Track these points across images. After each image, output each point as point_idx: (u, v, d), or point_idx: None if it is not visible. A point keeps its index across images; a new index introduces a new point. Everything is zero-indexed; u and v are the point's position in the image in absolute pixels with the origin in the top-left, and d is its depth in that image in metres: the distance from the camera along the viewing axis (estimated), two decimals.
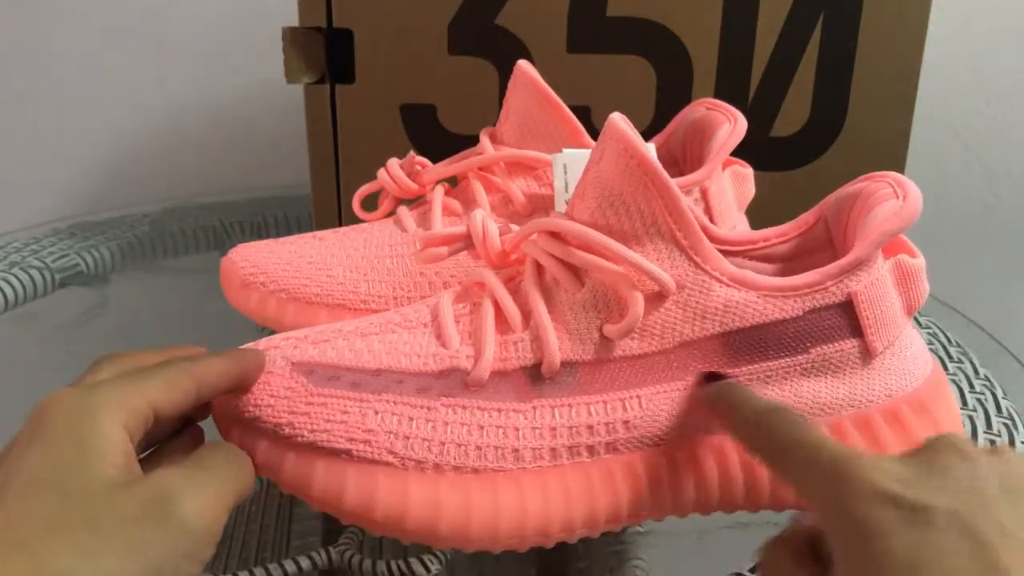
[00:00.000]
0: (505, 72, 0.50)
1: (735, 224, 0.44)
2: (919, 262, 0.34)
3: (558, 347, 0.32)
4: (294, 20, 0.54)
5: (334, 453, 0.31)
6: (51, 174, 0.85)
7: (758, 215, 0.45)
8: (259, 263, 0.44)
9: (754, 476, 0.33)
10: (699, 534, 0.39)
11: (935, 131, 0.85)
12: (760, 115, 0.57)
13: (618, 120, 0.31)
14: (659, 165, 0.31)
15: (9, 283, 0.60)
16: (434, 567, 0.37)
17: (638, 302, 0.31)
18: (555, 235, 0.33)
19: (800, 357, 0.32)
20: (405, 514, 0.31)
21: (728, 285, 0.32)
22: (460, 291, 0.35)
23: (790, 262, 0.37)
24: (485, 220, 0.36)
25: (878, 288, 0.32)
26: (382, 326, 0.34)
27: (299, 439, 0.31)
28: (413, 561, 0.37)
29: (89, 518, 0.24)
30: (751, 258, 0.37)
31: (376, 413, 0.31)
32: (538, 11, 0.54)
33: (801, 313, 0.32)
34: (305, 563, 0.37)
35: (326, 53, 0.54)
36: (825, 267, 0.32)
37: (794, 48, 0.56)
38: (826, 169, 0.58)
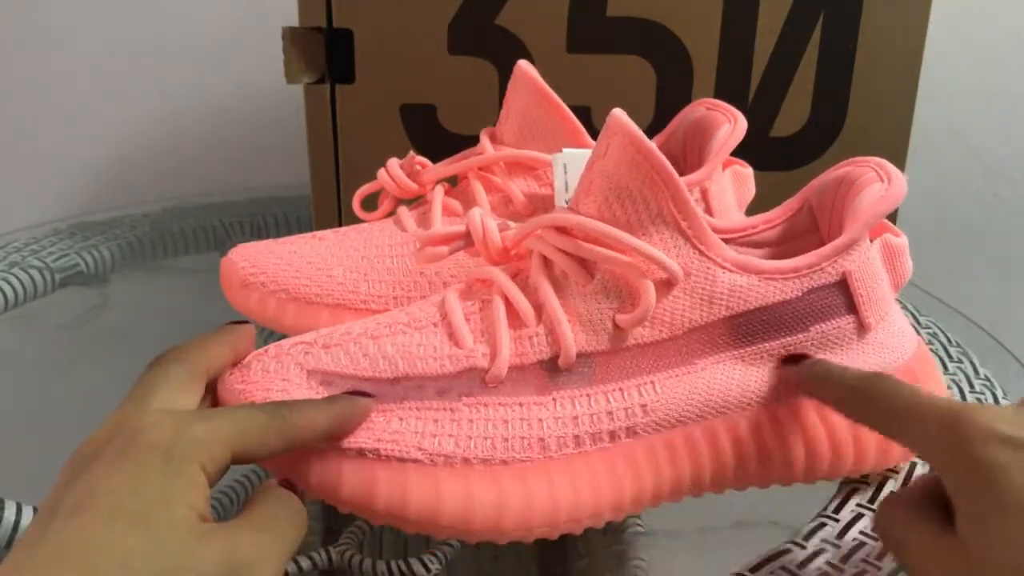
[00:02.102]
0: (505, 72, 0.50)
1: None
2: (903, 241, 0.36)
3: (573, 339, 0.33)
4: (294, 20, 0.54)
5: (362, 454, 0.31)
6: (51, 174, 0.85)
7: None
8: (259, 263, 0.44)
9: (766, 452, 0.34)
10: (699, 534, 0.39)
11: (935, 131, 0.85)
12: (760, 115, 0.57)
13: (621, 115, 0.32)
14: (663, 157, 0.32)
15: (9, 283, 0.60)
16: (434, 567, 0.37)
17: (650, 291, 0.32)
18: (562, 230, 0.33)
19: (801, 335, 0.34)
20: (439, 510, 0.31)
21: (731, 271, 0.33)
22: (464, 288, 0.35)
23: (778, 247, 0.38)
24: (484, 218, 0.36)
25: (869, 266, 0.34)
26: (391, 327, 0.34)
27: (323, 445, 0.31)
28: (413, 561, 0.37)
29: (167, 564, 0.24)
30: (743, 244, 0.38)
31: (401, 420, 0.32)
32: (538, 11, 0.54)
33: (801, 293, 0.34)
34: (305, 563, 0.37)
35: (326, 53, 0.54)
36: (820, 249, 0.34)
37: (794, 48, 0.56)
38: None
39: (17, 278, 0.61)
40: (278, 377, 0.32)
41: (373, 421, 0.31)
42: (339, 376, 0.32)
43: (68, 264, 0.64)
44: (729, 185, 0.44)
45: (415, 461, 0.31)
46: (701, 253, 0.33)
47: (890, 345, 0.36)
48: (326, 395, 0.32)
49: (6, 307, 0.59)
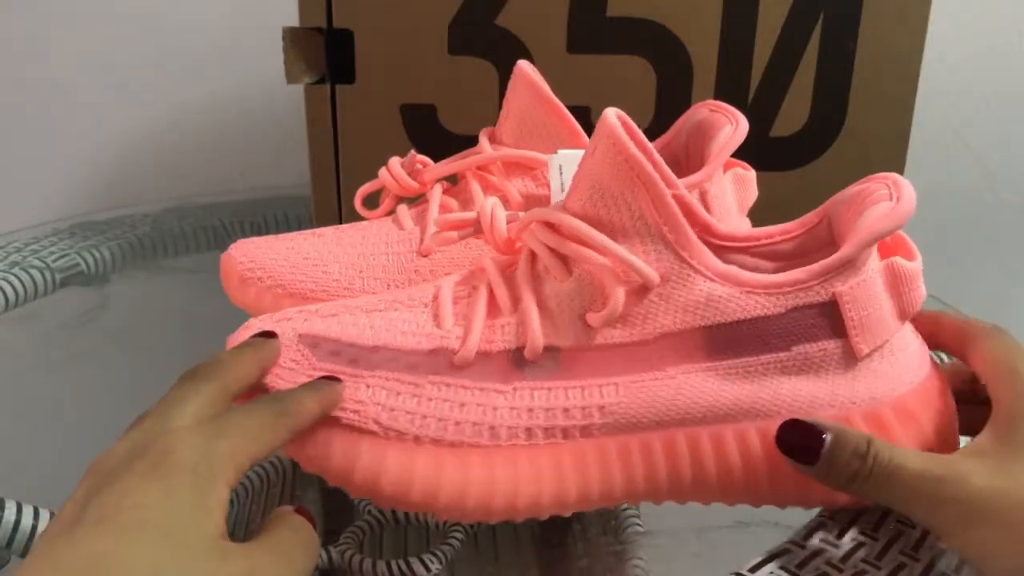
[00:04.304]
0: (505, 72, 0.50)
1: (736, 226, 0.44)
2: (914, 265, 0.33)
3: (541, 332, 0.33)
4: (294, 20, 0.54)
5: (326, 420, 0.33)
6: (51, 174, 0.85)
7: (757, 215, 0.45)
8: (257, 259, 0.44)
9: (728, 469, 0.33)
10: (699, 534, 0.39)
11: (935, 131, 0.85)
12: (760, 115, 0.57)
13: (610, 115, 0.32)
14: (646, 161, 0.31)
15: (9, 283, 0.60)
16: (434, 567, 0.37)
17: (618, 294, 0.32)
18: (550, 225, 0.33)
19: (781, 354, 0.33)
20: (380, 478, 0.32)
21: (712, 280, 0.32)
22: (465, 275, 0.36)
23: (792, 260, 0.37)
24: (495, 208, 0.37)
25: (865, 289, 0.32)
26: (388, 304, 0.36)
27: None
28: (413, 561, 0.37)
29: None
30: (754, 255, 0.37)
31: (368, 387, 0.33)
32: (538, 11, 0.54)
33: (784, 311, 0.32)
34: None
35: (326, 53, 0.54)
36: (810, 266, 0.32)
37: (794, 48, 0.56)
38: (826, 169, 0.58)
39: (17, 278, 0.61)
40: None
41: (343, 384, 0.33)
42: (326, 340, 0.34)
43: (68, 264, 0.64)
44: (730, 188, 0.44)
45: (370, 433, 0.32)
46: (682, 260, 0.32)
47: (885, 375, 0.34)
48: (311, 356, 0.34)
49: (6, 307, 0.59)
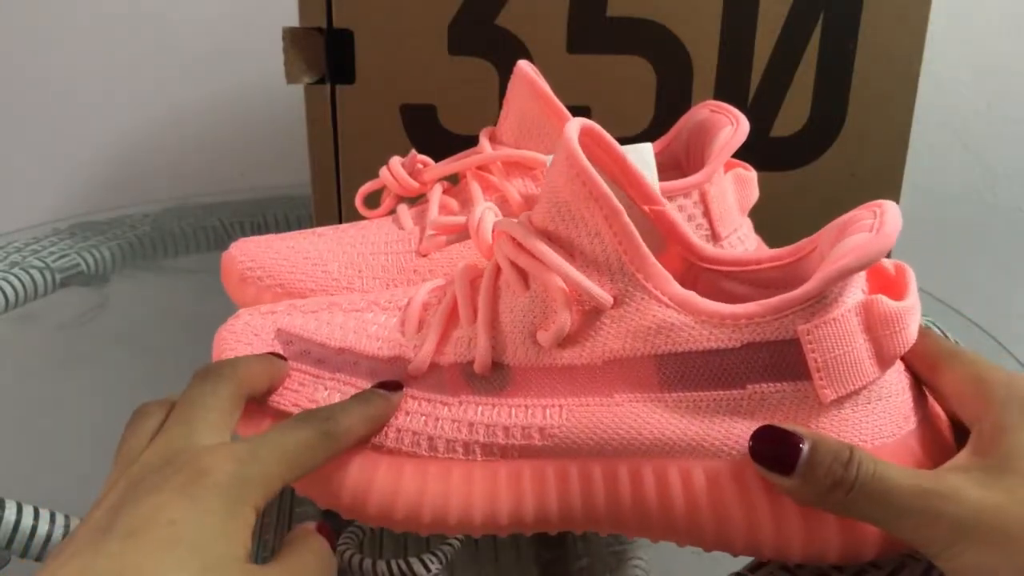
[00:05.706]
0: (505, 72, 0.50)
1: (737, 227, 0.44)
2: (901, 305, 0.30)
3: (490, 347, 0.33)
4: (294, 20, 0.54)
5: (279, 416, 0.33)
6: (51, 174, 0.85)
7: (757, 215, 0.45)
8: (256, 258, 0.44)
9: (669, 507, 0.31)
10: None
11: (935, 131, 0.85)
12: (760, 115, 0.57)
13: (570, 126, 0.31)
14: (598, 177, 0.30)
15: (9, 283, 0.60)
16: (434, 567, 0.37)
17: (564, 313, 0.31)
18: (511, 237, 0.32)
19: (734, 392, 0.30)
20: (316, 478, 0.32)
21: (668, 305, 0.30)
22: (446, 282, 0.36)
23: (782, 289, 0.33)
24: (484, 213, 0.37)
25: (833, 329, 0.29)
26: (368, 304, 0.36)
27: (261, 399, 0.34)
28: (413, 561, 0.37)
29: None
30: (742, 281, 0.35)
31: (325, 389, 0.33)
32: (538, 11, 0.54)
33: (738, 345, 0.30)
34: None
35: (326, 53, 0.54)
36: (770, 299, 0.30)
37: (794, 48, 0.56)
38: (826, 169, 0.58)
39: (17, 278, 0.61)
40: (251, 332, 0.35)
41: (304, 383, 0.34)
42: (299, 338, 0.35)
43: (68, 264, 0.64)
44: (731, 188, 0.44)
45: None
46: (637, 282, 0.30)
47: (858, 425, 0.30)
48: (282, 351, 0.34)
49: (6, 307, 0.59)
